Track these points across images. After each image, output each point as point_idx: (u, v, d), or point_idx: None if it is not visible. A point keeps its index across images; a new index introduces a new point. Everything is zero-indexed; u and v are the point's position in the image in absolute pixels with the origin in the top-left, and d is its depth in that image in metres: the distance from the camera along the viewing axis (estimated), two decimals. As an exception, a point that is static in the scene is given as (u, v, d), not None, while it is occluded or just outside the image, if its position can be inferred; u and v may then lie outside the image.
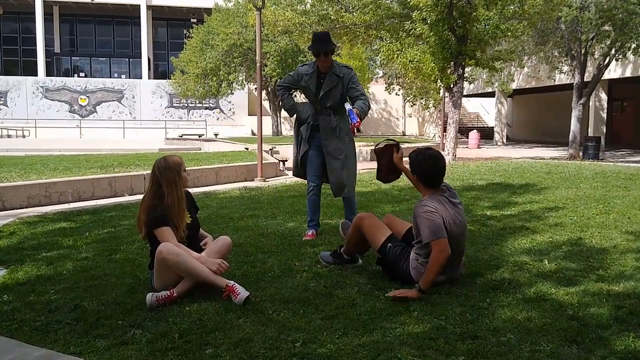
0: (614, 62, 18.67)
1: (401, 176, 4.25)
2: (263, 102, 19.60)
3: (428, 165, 3.57)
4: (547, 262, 4.07)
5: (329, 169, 5.12)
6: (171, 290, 3.40)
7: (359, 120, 4.60)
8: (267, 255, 4.45)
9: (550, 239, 4.84)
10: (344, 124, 5.07)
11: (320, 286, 3.63)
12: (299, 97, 5.71)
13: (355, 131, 5.00)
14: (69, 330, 3.01)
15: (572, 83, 18.93)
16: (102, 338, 2.89)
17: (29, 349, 2.80)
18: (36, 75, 39.88)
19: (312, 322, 3.02)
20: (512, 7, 14.87)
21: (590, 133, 21.99)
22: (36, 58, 40.22)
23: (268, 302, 3.34)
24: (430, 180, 3.60)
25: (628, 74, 20.88)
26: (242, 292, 3.33)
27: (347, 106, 4.70)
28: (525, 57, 21.74)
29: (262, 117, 12.61)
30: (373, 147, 4.20)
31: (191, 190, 9.57)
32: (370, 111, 41.38)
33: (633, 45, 16.78)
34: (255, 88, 37.15)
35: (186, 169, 3.73)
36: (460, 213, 3.61)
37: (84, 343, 2.84)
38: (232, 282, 3.40)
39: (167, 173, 3.59)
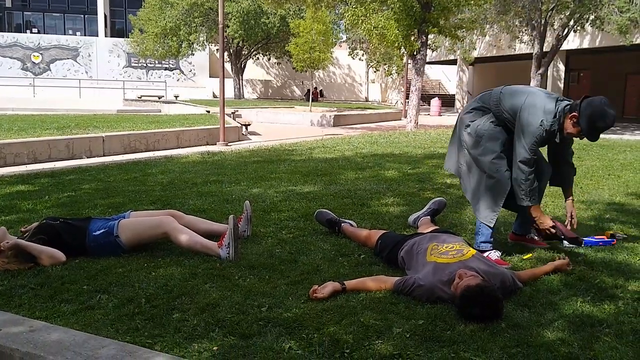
0: (572, 33, 19.03)
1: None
2: (225, 64, 19.31)
3: None
4: (502, 230, 4.23)
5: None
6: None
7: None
8: (231, 221, 4.47)
9: (507, 208, 4.99)
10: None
11: (285, 252, 3.70)
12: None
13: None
14: (34, 294, 2.99)
15: (532, 53, 19.24)
16: (67, 303, 2.89)
17: (-8, 314, 2.78)
18: (-14, 30, 38.22)
19: (277, 287, 3.09)
20: (475, -25, 14.94)
21: (547, 103, 22.45)
22: (-15, 12, 38.48)
23: (234, 268, 3.38)
24: None
25: (585, 45, 21.34)
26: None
27: None
28: (487, 26, 21.94)
29: (224, 79, 12.47)
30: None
31: (151, 153, 9.54)
32: (333, 76, 40.30)
33: (591, 17, 17.11)
34: (217, 49, 36.47)
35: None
36: None
37: (49, 308, 2.83)
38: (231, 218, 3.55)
39: None
